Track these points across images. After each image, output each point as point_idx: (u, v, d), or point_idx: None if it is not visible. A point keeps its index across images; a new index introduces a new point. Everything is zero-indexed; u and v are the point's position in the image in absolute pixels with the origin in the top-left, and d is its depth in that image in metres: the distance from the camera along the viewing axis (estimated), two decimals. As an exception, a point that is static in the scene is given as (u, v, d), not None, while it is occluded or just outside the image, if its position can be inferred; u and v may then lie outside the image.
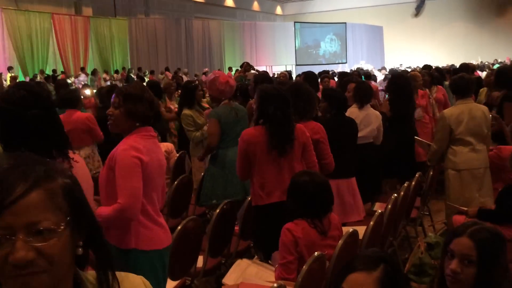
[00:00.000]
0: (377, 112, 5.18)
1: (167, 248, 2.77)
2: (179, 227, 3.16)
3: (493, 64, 21.79)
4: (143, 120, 2.66)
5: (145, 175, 2.57)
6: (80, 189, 1.06)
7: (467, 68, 9.34)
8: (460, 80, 4.81)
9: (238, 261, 3.19)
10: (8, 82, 15.73)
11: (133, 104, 2.63)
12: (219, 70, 21.48)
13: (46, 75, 18.27)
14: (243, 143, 3.54)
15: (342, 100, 4.72)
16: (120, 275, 1.15)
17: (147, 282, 1.19)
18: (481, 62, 24.08)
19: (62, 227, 0.98)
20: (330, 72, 14.15)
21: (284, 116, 3.44)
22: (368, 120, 5.06)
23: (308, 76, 6.86)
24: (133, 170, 2.51)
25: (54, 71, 19.39)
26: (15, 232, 0.94)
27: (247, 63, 11.50)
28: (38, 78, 17.21)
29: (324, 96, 4.73)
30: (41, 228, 0.95)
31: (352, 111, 5.04)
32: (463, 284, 1.92)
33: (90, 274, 1.09)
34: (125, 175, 2.50)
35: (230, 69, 21.63)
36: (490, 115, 4.92)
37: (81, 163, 2.31)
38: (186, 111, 5.57)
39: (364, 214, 4.56)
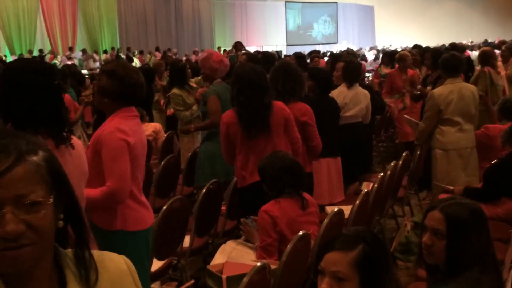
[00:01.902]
0: (366, 91, 5.17)
1: (151, 227, 2.77)
2: (164, 207, 3.15)
3: (482, 44, 21.75)
4: (121, 98, 2.62)
5: (132, 157, 2.56)
6: (58, 163, 1.05)
7: (455, 48, 9.33)
8: (451, 58, 4.78)
9: (222, 246, 3.18)
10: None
11: (108, 81, 2.61)
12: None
13: (33, 56, 18.03)
14: (223, 126, 3.55)
15: (328, 79, 4.70)
16: (101, 254, 1.14)
17: (129, 261, 1.18)
18: (471, 42, 24.05)
19: (50, 199, 0.98)
20: (322, 52, 14.12)
21: (250, 100, 3.42)
22: (357, 99, 5.04)
23: (297, 57, 6.82)
24: (121, 153, 2.49)
25: (40, 50, 19.14)
26: (3, 205, 0.93)
27: (239, 43, 11.42)
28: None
29: (309, 75, 4.71)
30: (30, 201, 0.94)
31: (341, 91, 5.02)
32: (435, 257, 1.94)
33: (69, 251, 1.08)
34: (113, 158, 2.48)
35: (219, 49, 21.46)
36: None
37: (81, 147, 2.27)
38: (175, 91, 5.50)
39: (344, 195, 4.57)
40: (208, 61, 4.67)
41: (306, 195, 3.06)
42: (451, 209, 1.92)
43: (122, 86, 2.61)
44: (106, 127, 2.58)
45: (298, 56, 7.44)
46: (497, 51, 8.85)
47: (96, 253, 1.12)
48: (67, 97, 5.62)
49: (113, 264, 1.14)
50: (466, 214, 1.91)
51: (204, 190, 3.65)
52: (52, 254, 1.05)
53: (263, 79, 3.51)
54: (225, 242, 3.28)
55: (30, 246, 0.95)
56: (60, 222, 1.03)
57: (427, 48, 9.91)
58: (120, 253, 1.18)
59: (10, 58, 17.38)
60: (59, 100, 2.13)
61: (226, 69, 4.79)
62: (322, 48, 21.86)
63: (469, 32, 30.13)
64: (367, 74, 9.85)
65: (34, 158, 0.98)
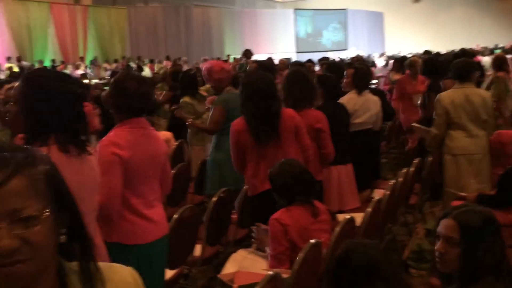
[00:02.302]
0: (376, 98, 5.14)
1: (160, 240, 2.71)
2: (175, 216, 3.15)
3: (493, 49, 21.63)
4: (121, 110, 2.63)
5: (128, 170, 2.55)
6: (60, 176, 1.04)
7: (465, 53, 9.27)
8: (462, 64, 4.77)
9: (233, 255, 3.17)
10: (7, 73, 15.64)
11: (109, 92, 2.63)
12: (218, 58, 21.46)
13: (44, 66, 18.19)
14: (234, 133, 3.54)
15: (336, 86, 4.68)
16: (106, 266, 1.12)
17: (135, 273, 1.17)
18: (481, 47, 23.90)
19: (46, 213, 0.95)
20: (332, 59, 14.05)
21: (258, 108, 3.43)
22: (367, 106, 5.02)
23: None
24: (111, 167, 2.48)
25: (53, 61, 19.30)
26: None
27: (249, 50, 11.46)
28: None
29: (318, 82, 4.70)
30: (25, 215, 0.92)
31: (351, 97, 5.01)
32: (449, 265, 1.92)
33: (74, 265, 1.07)
34: (104, 172, 2.45)
35: (228, 56, 21.56)
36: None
37: (93, 157, 2.28)
38: (186, 99, 5.53)
39: (360, 202, 4.54)
40: (211, 74, 4.73)
41: (317, 203, 3.04)
42: (464, 217, 1.90)
43: (120, 97, 2.61)
44: (103, 139, 2.61)
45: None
46: (508, 56, 8.80)
47: (103, 265, 1.11)
48: (89, 105, 5.67)
49: (118, 276, 1.12)
50: (480, 221, 1.88)
51: (214, 199, 3.64)
52: (55, 269, 1.03)
53: (271, 87, 3.51)
54: (236, 251, 3.27)
55: (26, 262, 0.93)
56: (62, 236, 1.01)
57: (438, 53, 9.87)
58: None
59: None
60: (81, 108, 2.16)
61: (230, 75, 4.87)
62: (331, 55, 21.81)
63: (480, 37, 29.95)
64: (375, 81, 9.82)
65: (32, 171, 0.96)
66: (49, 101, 2.06)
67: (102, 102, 6.05)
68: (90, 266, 1.05)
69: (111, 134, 2.62)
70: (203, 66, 4.95)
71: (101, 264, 1.09)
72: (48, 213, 0.96)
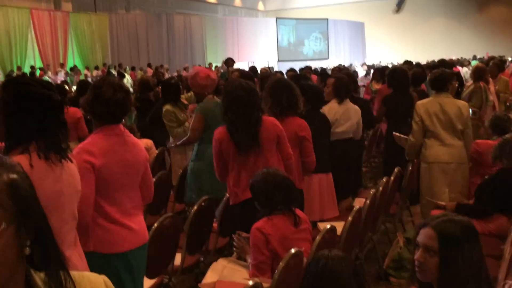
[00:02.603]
0: (356, 107, 5.17)
1: (139, 249, 2.68)
2: (155, 225, 3.12)
3: (471, 60, 22.01)
4: (97, 116, 2.61)
5: (101, 178, 2.52)
6: (28, 186, 1.01)
7: (445, 63, 9.41)
8: (439, 74, 4.86)
9: (213, 264, 3.15)
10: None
11: (86, 98, 2.61)
12: (199, 65, 21.43)
13: (23, 72, 17.97)
14: (216, 142, 3.53)
15: (319, 95, 4.72)
16: (78, 275, 1.11)
17: (109, 282, 1.16)
18: (461, 57, 24.30)
19: (2, 226, 0.93)
20: (314, 68, 14.16)
21: (238, 117, 3.43)
22: (347, 115, 5.05)
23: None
24: (83, 175, 2.43)
25: (32, 67, 19.06)
26: None
27: (230, 59, 11.46)
28: (15, 75, 16.91)
29: (301, 91, 4.72)
30: None
31: (332, 106, 5.03)
32: (428, 274, 1.94)
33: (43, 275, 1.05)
34: None
35: (210, 65, 21.54)
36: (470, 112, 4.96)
37: (73, 164, 2.26)
38: (168, 107, 5.51)
39: (338, 211, 4.56)
40: (196, 79, 4.77)
41: (298, 211, 3.04)
42: (443, 226, 1.91)
43: (97, 103, 2.58)
44: (77, 146, 2.59)
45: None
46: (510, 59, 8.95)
47: (75, 274, 1.09)
48: (76, 111, 5.59)
49: (91, 284, 1.12)
50: (459, 230, 1.90)
51: (195, 207, 3.62)
52: (23, 279, 1.01)
53: (252, 95, 3.49)
54: (216, 260, 3.25)
55: None
56: (27, 249, 0.99)
57: (418, 64, 9.99)
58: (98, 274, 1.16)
59: (1, 75, 17.36)
60: (62, 114, 2.15)
61: (214, 83, 4.88)
62: (312, 64, 21.96)
63: (458, 48, 30.48)
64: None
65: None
66: (30, 108, 2.06)
67: (81, 107, 5.99)
68: (59, 276, 1.03)
69: (85, 141, 2.60)
70: (189, 72, 4.99)
71: (73, 273, 1.08)
72: (4, 226, 0.93)
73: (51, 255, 1.04)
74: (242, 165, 3.49)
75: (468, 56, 25.75)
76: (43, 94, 2.08)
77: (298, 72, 9.31)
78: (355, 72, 12.79)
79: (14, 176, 0.99)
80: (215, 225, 3.99)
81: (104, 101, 2.56)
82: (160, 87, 7.50)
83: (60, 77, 17.84)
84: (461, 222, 1.93)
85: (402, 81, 5.87)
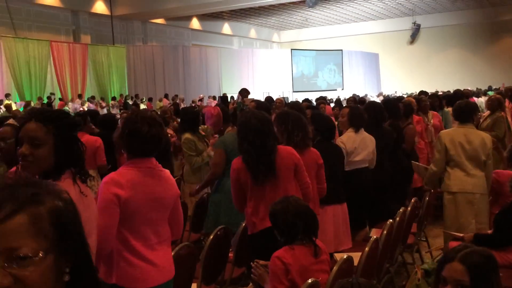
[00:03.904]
0: (371, 136, 5.18)
1: (163, 285, 2.64)
2: (172, 254, 3.11)
3: (486, 91, 21.94)
4: (129, 150, 2.64)
5: (127, 210, 2.51)
6: (72, 213, 1.03)
7: (461, 94, 9.41)
8: (465, 105, 4.84)
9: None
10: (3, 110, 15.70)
11: (125, 137, 2.63)
12: (214, 97, 21.68)
13: (42, 103, 18.26)
14: (234, 172, 3.55)
15: (329, 126, 4.71)
16: None
17: None
18: (476, 88, 24.23)
19: (40, 254, 0.94)
20: (329, 99, 14.26)
21: (253, 146, 3.46)
22: (364, 144, 5.07)
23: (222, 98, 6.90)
24: (107, 206, 2.45)
25: (48, 98, 19.30)
26: None
27: (245, 89, 11.53)
28: (33, 105, 17.16)
29: (312, 121, 4.75)
30: (21, 254, 0.92)
31: (350, 135, 5.05)
32: None
33: None
34: (100, 209, 2.45)
35: (224, 94, 21.71)
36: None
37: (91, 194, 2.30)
38: (187, 136, 5.54)
39: (347, 245, 4.52)
40: (207, 122, 5.08)
41: (318, 242, 3.01)
42: (471, 259, 1.89)
43: (130, 139, 2.61)
44: (107, 176, 2.60)
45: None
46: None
47: None
48: (96, 140, 5.65)
49: None
50: (486, 262, 1.88)
51: (211, 236, 3.61)
52: None
53: (265, 125, 3.53)
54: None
55: None
56: (66, 276, 1.00)
57: (434, 94, 9.98)
58: None
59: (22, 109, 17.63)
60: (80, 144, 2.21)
61: (220, 117, 5.16)
62: (327, 94, 22.06)
63: (473, 79, 30.44)
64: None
65: (36, 209, 0.96)
66: (75, 137, 2.18)
67: (114, 142, 6.05)
68: None
69: (116, 172, 2.61)
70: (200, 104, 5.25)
71: None
72: (42, 254, 0.94)
73: (90, 284, 1.05)
74: (260, 195, 3.49)
75: (483, 87, 25.68)
76: (73, 125, 2.19)
77: (313, 103, 9.36)
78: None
79: (60, 203, 1.00)
80: (230, 254, 3.97)
81: (140, 136, 2.58)
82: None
83: (78, 107, 18.07)
84: (484, 253, 1.91)
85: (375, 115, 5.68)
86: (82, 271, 1.04)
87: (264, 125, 3.51)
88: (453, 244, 4.22)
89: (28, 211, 0.95)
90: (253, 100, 7.41)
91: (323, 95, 17.08)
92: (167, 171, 2.78)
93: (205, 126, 6.69)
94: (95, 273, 1.08)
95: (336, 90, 29.92)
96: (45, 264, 0.95)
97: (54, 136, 2.09)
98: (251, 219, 3.52)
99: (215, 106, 6.48)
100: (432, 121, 7.65)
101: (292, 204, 2.96)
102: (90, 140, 5.45)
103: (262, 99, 10.24)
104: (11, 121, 3.55)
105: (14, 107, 16.21)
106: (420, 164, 5.56)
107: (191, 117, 5.86)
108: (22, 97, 19.40)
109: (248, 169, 3.47)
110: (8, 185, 0.97)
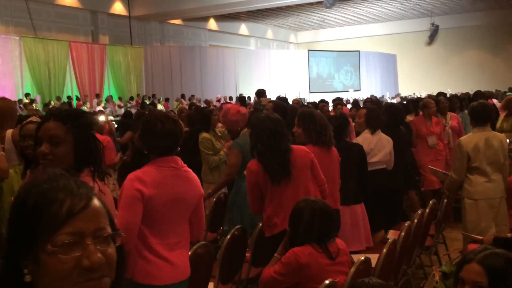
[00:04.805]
0: (388, 137, 5.15)
1: (178, 284, 2.66)
2: (189, 253, 3.13)
3: (505, 92, 21.68)
4: (149, 149, 2.66)
5: (149, 209, 2.54)
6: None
7: (482, 95, 9.29)
8: (480, 107, 4.71)
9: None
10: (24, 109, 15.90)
11: (140, 137, 2.67)
12: (230, 98, 21.68)
13: (62, 102, 18.48)
14: (251, 174, 3.55)
15: (341, 127, 4.67)
16: None
17: None
18: (496, 90, 23.95)
19: (114, 233, 1.03)
20: (346, 100, 14.23)
21: (267, 148, 3.47)
22: (381, 145, 5.05)
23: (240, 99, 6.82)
24: (131, 202, 2.48)
25: (69, 97, 19.59)
26: (84, 238, 0.96)
27: (262, 90, 11.55)
28: (53, 105, 17.37)
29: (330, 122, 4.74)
30: (106, 234, 0.99)
31: (365, 137, 5.03)
32: None
33: None
34: (123, 205, 2.49)
35: (241, 95, 21.71)
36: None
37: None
38: (205, 135, 5.56)
39: (368, 244, 4.50)
40: (227, 116, 4.82)
41: (340, 243, 3.00)
42: (490, 261, 1.87)
43: (146, 138, 2.65)
44: (131, 173, 2.62)
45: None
46: None
47: None
48: (104, 138, 5.72)
49: None
50: (504, 264, 1.86)
51: (228, 236, 3.62)
52: None
53: (279, 126, 3.54)
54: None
55: (106, 278, 0.98)
56: None
57: (455, 95, 9.88)
58: None
59: (41, 105, 17.87)
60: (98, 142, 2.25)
61: (245, 118, 4.90)
62: (344, 95, 21.96)
63: (493, 80, 30.09)
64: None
65: (96, 195, 1.04)
66: (93, 136, 2.23)
67: (135, 142, 6.12)
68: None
69: (140, 170, 2.63)
70: (220, 111, 5.08)
71: None
72: (114, 233, 1.02)
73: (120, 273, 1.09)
74: (280, 195, 3.49)
75: (502, 88, 25.37)
76: (92, 124, 2.25)
77: (330, 103, 9.35)
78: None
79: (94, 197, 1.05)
80: (247, 254, 3.98)
81: (154, 134, 2.61)
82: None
83: (99, 107, 18.24)
84: (504, 255, 1.89)
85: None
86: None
87: (277, 126, 3.54)
88: (472, 246, 4.16)
89: (96, 196, 1.03)
90: (270, 101, 7.41)
91: (340, 96, 17.02)
92: (192, 172, 2.79)
93: (222, 129, 6.70)
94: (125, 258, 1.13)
95: (352, 91, 29.77)
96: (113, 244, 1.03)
97: (73, 134, 2.12)
98: (272, 221, 3.51)
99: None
100: (450, 122, 7.58)
101: (315, 203, 2.96)
102: (99, 138, 5.51)
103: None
104: (34, 118, 3.59)
105: (34, 106, 16.41)
106: (437, 169, 5.51)
107: (204, 116, 5.90)
108: (42, 96, 19.61)
109: (265, 170, 3.47)
110: (57, 178, 1.02)
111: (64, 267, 0.95)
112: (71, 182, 1.01)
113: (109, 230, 1.00)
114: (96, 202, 1.00)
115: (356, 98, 16.60)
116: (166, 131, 2.63)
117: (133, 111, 14.83)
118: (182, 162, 2.73)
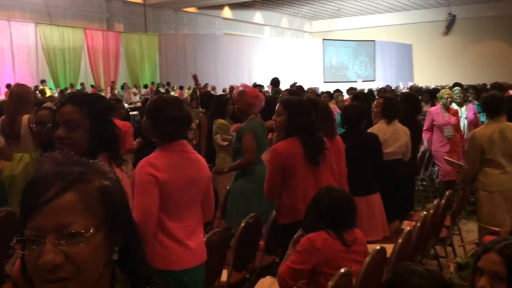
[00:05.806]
0: (405, 128, 5.09)
1: (195, 268, 2.67)
2: (203, 240, 3.13)
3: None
4: (157, 135, 2.65)
5: (164, 193, 2.54)
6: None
7: (499, 86, 9.16)
8: (491, 98, 4.64)
9: (261, 280, 3.13)
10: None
11: (152, 123, 2.65)
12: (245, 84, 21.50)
13: (77, 89, 18.58)
14: (280, 157, 3.43)
15: (355, 117, 4.59)
16: None
17: None
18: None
19: (91, 231, 0.94)
20: (360, 89, 14.12)
21: (314, 126, 3.45)
22: (396, 136, 4.98)
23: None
24: (147, 187, 2.48)
25: (82, 84, 19.66)
26: (44, 234, 0.91)
27: (276, 79, 11.55)
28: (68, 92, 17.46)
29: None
30: (71, 231, 0.92)
31: (381, 127, 4.98)
32: None
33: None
34: (139, 191, 2.49)
35: (254, 84, 21.63)
36: None
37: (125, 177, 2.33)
38: (222, 121, 5.55)
39: (385, 233, 4.47)
40: (244, 96, 4.56)
41: (358, 233, 2.97)
42: (509, 251, 1.84)
43: (153, 124, 2.64)
44: (142, 160, 2.62)
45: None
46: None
47: None
48: (125, 124, 5.70)
49: None
50: None
51: (243, 224, 3.62)
52: (108, 284, 1.02)
53: (312, 106, 3.61)
54: (263, 277, 3.23)
55: (69, 280, 0.91)
56: (115, 254, 1.00)
57: (472, 86, 9.75)
58: None
59: (55, 90, 17.99)
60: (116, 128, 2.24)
61: (261, 104, 4.66)
62: (358, 86, 21.81)
63: (510, 71, 29.65)
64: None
65: (85, 187, 0.96)
66: (110, 119, 2.21)
67: (142, 129, 6.10)
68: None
69: (151, 155, 2.63)
70: (236, 88, 4.84)
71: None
72: (92, 231, 0.94)
73: (138, 264, 1.06)
74: (308, 181, 3.44)
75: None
76: (108, 108, 2.22)
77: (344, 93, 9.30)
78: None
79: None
80: (261, 242, 3.97)
81: (160, 120, 2.61)
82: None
83: (110, 94, 18.32)
84: None
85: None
86: (131, 250, 1.04)
87: (311, 106, 3.55)
88: (488, 238, 4.12)
89: (77, 189, 0.95)
90: (286, 90, 7.39)
91: (354, 86, 16.90)
92: (197, 154, 2.80)
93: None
94: (144, 253, 1.08)
95: (367, 81, 29.55)
96: (95, 242, 0.95)
97: (89, 119, 2.11)
98: (295, 206, 3.41)
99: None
100: (467, 113, 7.50)
101: (336, 191, 2.94)
102: (119, 124, 5.49)
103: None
104: (48, 104, 3.60)
105: (48, 93, 16.51)
106: (453, 160, 5.45)
107: (219, 104, 5.89)
108: (56, 83, 19.77)
109: (306, 150, 3.40)
110: (58, 164, 0.98)
111: (30, 263, 0.92)
112: (54, 172, 0.95)
113: (75, 227, 0.92)
114: (69, 196, 0.93)
115: (371, 88, 16.49)
116: (172, 115, 2.61)
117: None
118: (189, 145, 2.73)
